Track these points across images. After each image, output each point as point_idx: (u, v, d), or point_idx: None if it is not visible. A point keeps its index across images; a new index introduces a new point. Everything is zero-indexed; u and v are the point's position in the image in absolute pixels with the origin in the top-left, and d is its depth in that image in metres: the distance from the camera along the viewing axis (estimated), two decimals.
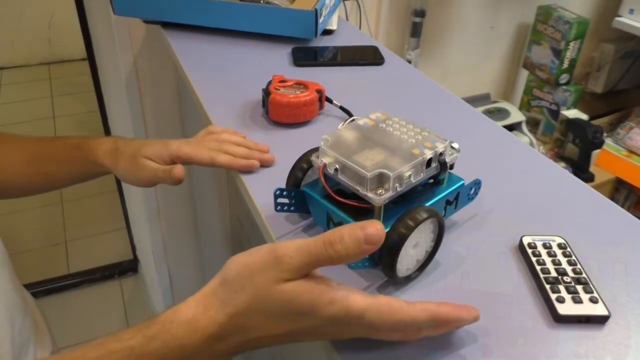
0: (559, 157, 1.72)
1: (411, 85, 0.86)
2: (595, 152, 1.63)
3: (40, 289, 1.94)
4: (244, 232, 1.36)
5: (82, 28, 1.58)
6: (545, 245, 0.51)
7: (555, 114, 1.75)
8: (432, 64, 1.67)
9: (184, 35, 0.97)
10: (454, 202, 0.53)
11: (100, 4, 1.25)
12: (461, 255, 0.51)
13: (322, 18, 0.94)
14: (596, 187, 0.62)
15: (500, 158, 0.68)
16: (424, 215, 0.44)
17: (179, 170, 0.62)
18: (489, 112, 1.65)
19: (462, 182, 0.53)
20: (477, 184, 0.55)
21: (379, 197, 0.45)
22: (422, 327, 0.40)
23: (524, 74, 1.84)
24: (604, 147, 1.65)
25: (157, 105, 1.34)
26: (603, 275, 0.49)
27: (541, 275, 0.47)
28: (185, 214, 1.56)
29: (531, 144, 1.66)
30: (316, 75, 0.85)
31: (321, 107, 0.74)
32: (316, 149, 0.51)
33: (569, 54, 1.65)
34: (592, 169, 1.66)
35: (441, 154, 0.49)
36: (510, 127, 1.66)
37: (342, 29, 1.05)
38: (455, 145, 0.51)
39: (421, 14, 1.50)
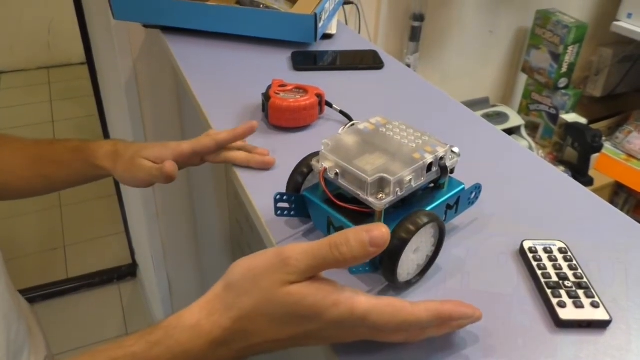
0: (558, 161, 1.72)
1: (411, 89, 0.86)
2: (595, 156, 1.63)
3: (39, 294, 1.94)
4: (244, 237, 1.36)
5: (81, 32, 1.58)
6: (546, 250, 0.50)
7: (554, 118, 1.75)
8: (431, 68, 1.67)
9: (184, 40, 0.97)
10: (455, 206, 0.53)
11: (100, 9, 1.25)
12: (462, 259, 0.51)
13: (321, 22, 0.94)
14: (595, 191, 0.62)
15: (500, 162, 0.68)
16: (425, 219, 0.44)
17: (169, 165, 0.62)
18: (488, 116, 1.66)
19: (462, 186, 0.53)
20: (477, 188, 0.55)
21: (379, 202, 0.45)
22: (426, 327, 0.40)
23: (523, 78, 1.84)
24: (603, 151, 1.65)
25: (156, 109, 1.34)
26: (604, 280, 0.49)
27: (542, 280, 0.47)
28: (184, 218, 1.55)
29: (530, 148, 1.66)
30: (316, 79, 0.85)
31: (321, 111, 0.74)
32: (316, 154, 0.51)
33: (567, 58, 1.65)
34: (591, 172, 1.66)
35: (442, 158, 0.49)
36: (510, 131, 1.66)
37: (342, 33, 1.05)
38: (456, 149, 0.51)
39: (420, 18, 1.50)
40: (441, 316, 0.40)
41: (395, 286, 0.47)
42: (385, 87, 0.86)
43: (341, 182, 0.48)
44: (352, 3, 1.38)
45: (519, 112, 1.83)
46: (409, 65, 1.53)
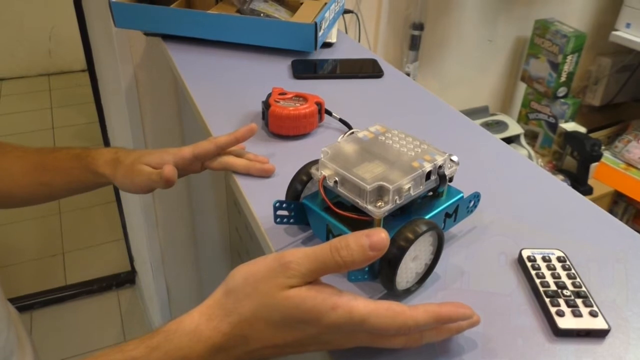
0: (557, 169, 1.72)
1: (410, 98, 0.87)
2: (594, 165, 1.63)
3: (38, 300, 1.93)
4: (243, 244, 1.36)
5: (82, 40, 1.59)
6: (544, 259, 0.51)
7: (553, 126, 1.75)
8: (431, 77, 1.68)
9: (184, 48, 0.98)
10: (454, 214, 0.53)
11: (101, 16, 1.26)
12: (460, 268, 0.51)
13: (321, 31, 0.94)
14: (594, 200, 0.62)
15: (499, 171, 0.68)
16: (424, 228, 0.44)
17: (168, 169, 0.61)
18: (487, 125, 1.66)
19: (461, 194, 0.53)
20: (476, 196, 0.55)
21: (378, 210, 0.45)
22: (425, 330, 0.40)
23: (522, 87, 1.85)
24: (602, 160, 1.66)
25: (157, 117, 1.34)
26: (602, 289, 0.49)
27: (540, 289, 0.47)
28: (183, 226, 1.55)
29: (530, 156, 1.66)
30: (316, 87, 0.85)
31: (321, 119, 0.75)
32: (316, 162, 0.51)
33: (566, 68, 1.66)
34: (591, 181, 1.66)
35: (440, 166, 0.50)
36: (509, 140, 1.67)
37: (342, 41, 1.05)
38: (455, 158, 0.52)
39: (420, 27, 1.51)
40: (440, 318, 0.40)
41: (393, 294, 0.47)
42: (385, 96, 0.87)
43: (340, 190, 0.48)
44: (352, 12, 1.39)
45: (518, 121, 1.83)
46: (408, 74, 1.53)
